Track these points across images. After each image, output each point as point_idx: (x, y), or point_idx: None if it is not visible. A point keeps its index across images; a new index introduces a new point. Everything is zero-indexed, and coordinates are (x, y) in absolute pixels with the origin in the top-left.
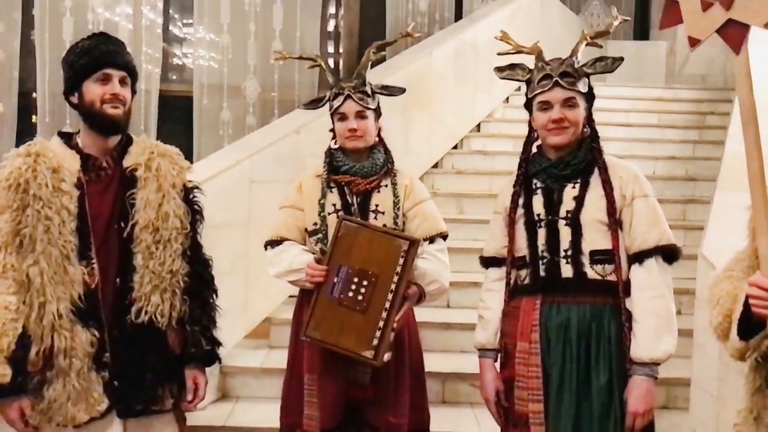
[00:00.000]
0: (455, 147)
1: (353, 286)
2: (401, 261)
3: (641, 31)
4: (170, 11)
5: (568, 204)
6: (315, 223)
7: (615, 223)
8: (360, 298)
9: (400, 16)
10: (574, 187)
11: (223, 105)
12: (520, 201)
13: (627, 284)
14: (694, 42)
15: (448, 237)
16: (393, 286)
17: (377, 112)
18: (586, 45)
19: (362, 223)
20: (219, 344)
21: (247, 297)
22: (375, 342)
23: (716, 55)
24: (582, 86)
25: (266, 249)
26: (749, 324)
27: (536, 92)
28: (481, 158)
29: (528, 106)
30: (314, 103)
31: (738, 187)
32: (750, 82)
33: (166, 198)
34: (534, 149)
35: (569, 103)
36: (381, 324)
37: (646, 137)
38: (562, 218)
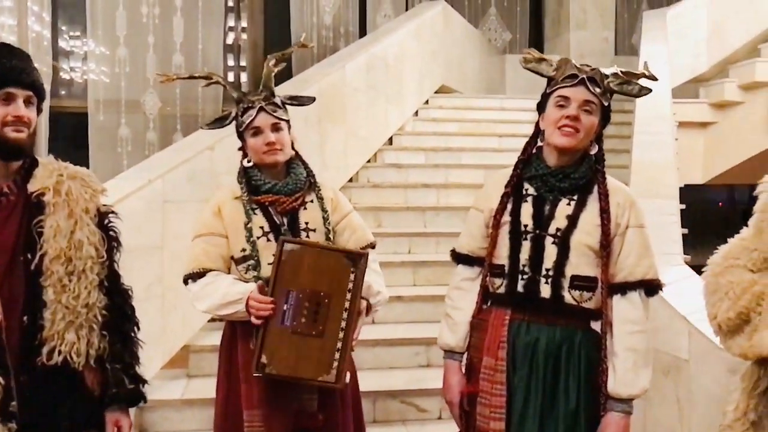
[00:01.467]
0: (370, 160)
1: (305, 311)
2: (352, 276)
3: (536, 45)
4: (59, 23)
5: (559, 221)
6: (243, 250)
7: (606, 255)
8: (315, 322)
9: (305, 29)
10: (569, 204)
11: (121, 121)
12: (509, 206)
13: (603, 311)
14: None
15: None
16: (347, 304)
17: (289, 124)
18: (614, 74)
19: (305, 242)
20: (143, 382)
21: (164, 324)
22: (335, 364)
23: (606, 67)
24: (605, 99)
25: (187, 283)
26: None
27: (558, 86)
28: (395, 171)
29: (541, 105)
30: (219, 122)
31: (650, 194)
32: None
33: (79, 224)
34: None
35: (587, 107)
36: (339, 345)
37: None
38: (551, 235)
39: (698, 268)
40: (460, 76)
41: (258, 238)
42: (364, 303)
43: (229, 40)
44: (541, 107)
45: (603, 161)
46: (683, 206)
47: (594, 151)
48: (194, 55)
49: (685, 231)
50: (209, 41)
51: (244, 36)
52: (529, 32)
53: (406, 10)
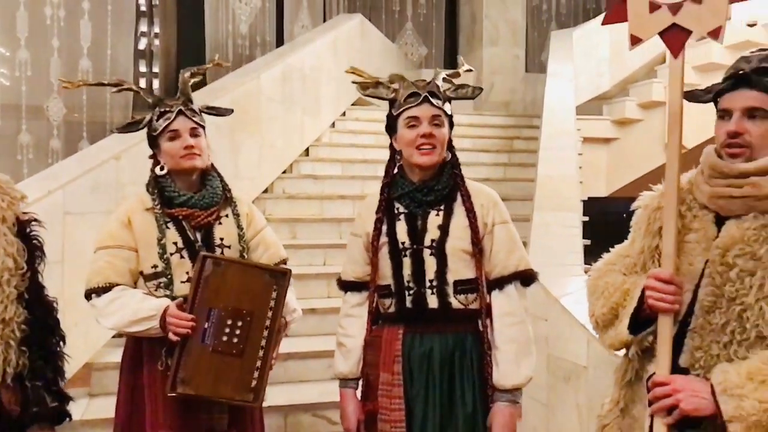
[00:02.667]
0: (285, 171)
1: (227, 329)
2: (274, 294)
3: (450, 61)
4: None
5: (432, 232)
6: (155, 266)
7: (479, 252)
8: (235, 340)
9: (220, 37)
10: (438, 215)
11: (21, 127)
12: (384, 228)
13: (488, 308)
14: (635, 41)
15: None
16: (268, 322)
17: (205, 132)
18: (443, 79)
19: (228, 258)
20: (69, 399)
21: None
22: (254, 383)
23: (517, 84)
24: (447, 109)
25: (90, 298)
26: (638, 318)
27: (404, 108)
28: (311, 182)
29: (391, 126)
30: (133, 126)
31: (554, 208)
32: (682, 85)
33: None
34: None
35: (436, 121)
36: (259, 363)
37: (462, 161)
38: (427, 247)
39: None
40: None
41: (171, 254)
42: (282, 321)
43: (141, 46)
44: (391, 129)
45: (458, 166)
46: (586, 218)
47: (448, 158)
48: (103, 60)
49: (588, 242)
50: (119, 46)
51: (157, 42)
52: (444, 47)
53: (324, 21)
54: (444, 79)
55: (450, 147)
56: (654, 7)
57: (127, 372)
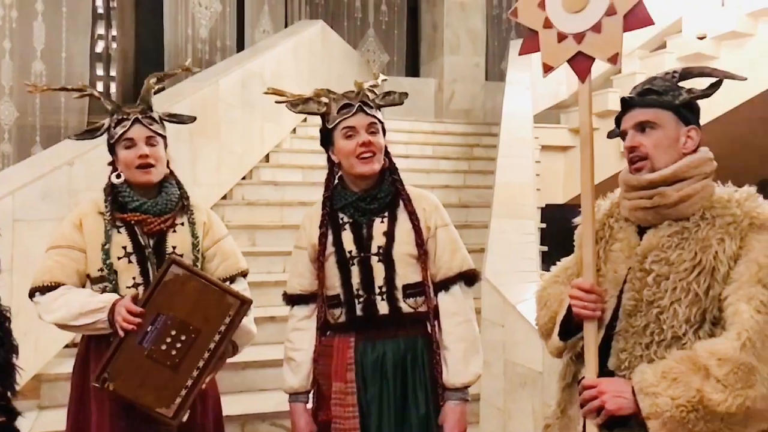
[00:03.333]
0: (245, 177)
1: (169, 339)
2: (228, 320)
3: (412, 68)
4: None
5: (378, 239)
6: (101, 269)
7: (424, 254)
8: (173, 352)
9: (179, 41)
10: (382, 222)
11: None
12: (330, 239)
13: (435, 310)
14: (547, 68)
15: None
16: (212, 346)
17: (165, 142)
18: (372, 86)
19: (194, 270)
20: (17, 413)
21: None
22: (178, 401)
23: (477, 92)
24: (380, 116)
25: (34, 296)
26: (569, 325)
27: (339, 119)
28: (271, 189)
29: (327, 139)
30: (90, 133)
31: (511, 215)
32: (590, 107)
33: None
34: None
35: (372, 128)
36: (189, 383)
37: (423, 168)
38: (374, 254)
39: None
40: None
41: (119, 258)
42: (229, 347)
43: (99, 49)
44: (326, 142)
45: (397, 171)
46: (544, 225)
47: (386, 165)
48: (57, 64)
49: (545, 248)
50: (74, 49)
51: (114, 45)
52: (406, 55)
53: (286, 26)
54: (369, 90)
55: (387, 154)
56: (561, 37)
57: (76, 383)
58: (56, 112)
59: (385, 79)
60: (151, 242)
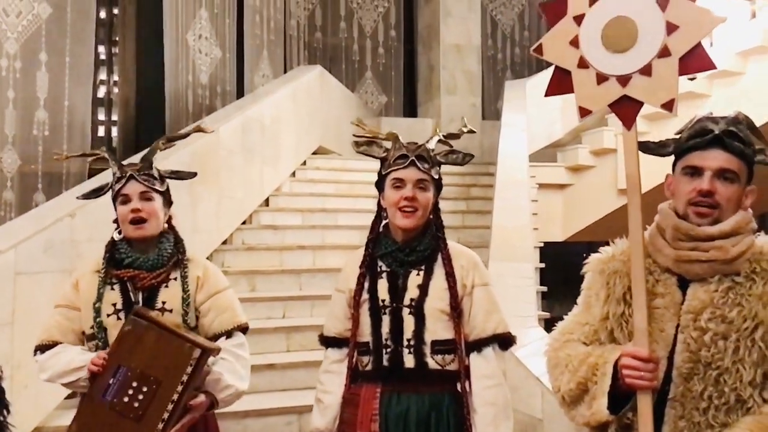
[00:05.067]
0: (245, 222)
1: (130, 391)
2: (189, 369)
3: (410, 108)
4: None
5: (412, 291)
6: (92, 327)
7: (458, 315)
8: (136, 405)
9: (180, 87)
10: (418, 274)
11: None
12: (366, 284)
13: (467, 370)
14: (585, 113)
15: None
16: (176, 396)
17: (166, 198)
18: (438, 141)
19: (154, 320)
20: None
21: (14, 406)
22: None
23: (475, 133)
24: (434, 173)
25: (36, 354)
26: (615, 395)
27: (391, 169)
28: (271, 233)
29: (380, 184)
30: (95, 192)
31: (508, 258)
32: (637, 156)
33: None
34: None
35: (421, 184)
36: None
37: None
38: (406, 306)
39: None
40: (338, 137)
41: (108, 315)
42: (201, 398)
43: (100, 94)
44: (379, 187)
45: (442, 228)
46: (543, 264)
47: (431, 220)
48: (60, 112)
49: (544, 288)
50: (76, 96)
51: (116, 90)
52: (403, 96)
53: (285, 70)
54: (440, 141)
55: (435, 210)
56: (602, 79)
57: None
58: (58, 161)
59: (472, 131)
60: (142, 297)
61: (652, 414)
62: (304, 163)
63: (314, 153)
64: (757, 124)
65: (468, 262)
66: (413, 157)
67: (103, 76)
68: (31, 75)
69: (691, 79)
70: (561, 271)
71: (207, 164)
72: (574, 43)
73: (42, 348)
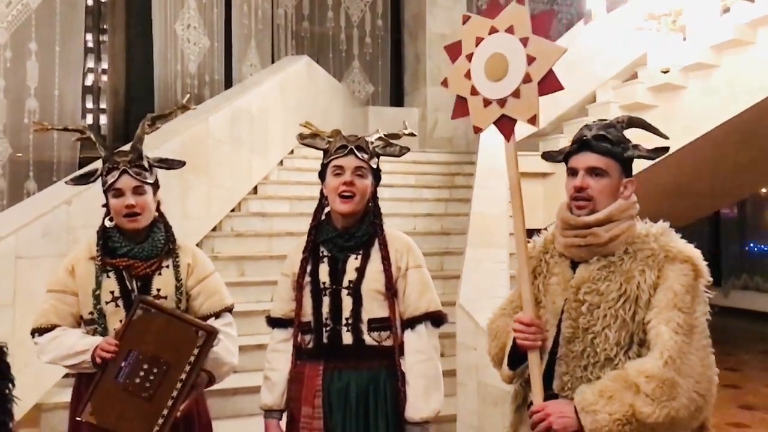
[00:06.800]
0: (234, 209)
1: (142, 373)
2: (196, 351)
3: (396, 98)
4: None
5: (350, 274)
6: (91, 313)
7: (392, 295)
8: (147, 385)
9: (168, 76)
10: (356, 258)
11: None
12: (308, 268)
13: (401, 346)
14: (477, 130)
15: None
16: (184, 376)
17: (155, 186)
18: (378, 138)
19: (160, 307)
20: None
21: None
22: (156, 429)
23: (459, 121)
24: (373, 163)
25: (33, 336)
26: (516, 355)
27: (332, 158)
28: (259, 220)
29: (322, 174)
30: (84, 178)
31: (485, 244)
32: (516, 162)
33: None
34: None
35: (359, 172)
36: (165, 412)
37: (406, 196)
38: (345, 288)
39: None
40: (325, 126)
41: (107, 303)
42: (203, 376)
43: (89, 82)
44: (322, 176)
45: (380, 215)
46: None
47: (369, 208)
48: (50, 101)
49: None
50: (66, 86)
51: (105, 78)
52: (390, 85)
53: (273, 59)
54: (380, 138)
55: (374, 198)
56: (487, 103)
57: (72, 408)
58: (49, 149)
59: (412, 134)
60: (138, 286)
61: (540, 368)
62: (292, 152)
63: None
64: (734, 112)
65: (402, 246)
66: (352, 147)
67: (91, 64)
68: (22, 64)
69: (665, 72)
70: None
71: (196, 153)
72: (468, 75)
73: (40, 331)
